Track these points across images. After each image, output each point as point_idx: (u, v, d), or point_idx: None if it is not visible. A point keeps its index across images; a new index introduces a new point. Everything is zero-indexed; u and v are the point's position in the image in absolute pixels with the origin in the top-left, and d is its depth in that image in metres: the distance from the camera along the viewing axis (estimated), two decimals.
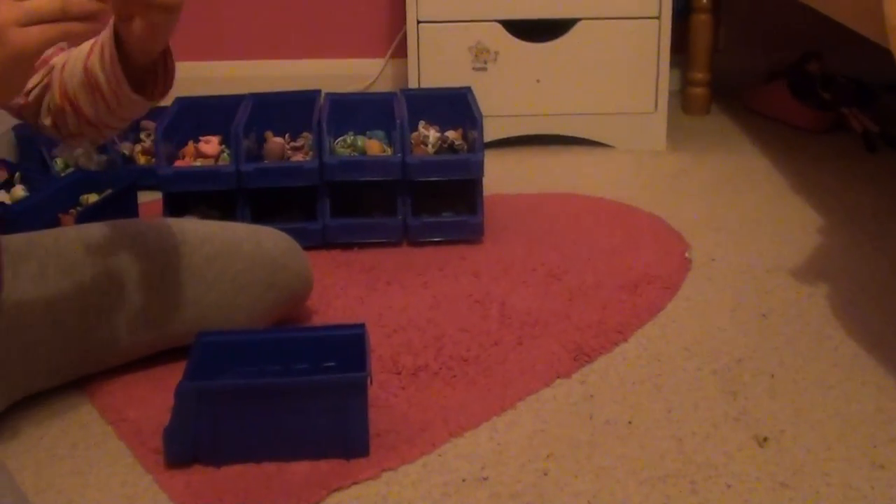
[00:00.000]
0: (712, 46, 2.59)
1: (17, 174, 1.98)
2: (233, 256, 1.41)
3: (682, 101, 2.65)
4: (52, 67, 1.29)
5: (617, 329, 1.52)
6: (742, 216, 1.96)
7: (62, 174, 2.03)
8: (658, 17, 2.26)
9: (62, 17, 1.02)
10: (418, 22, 2.26)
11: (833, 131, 2.44)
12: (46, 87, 1.29)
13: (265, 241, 1.46)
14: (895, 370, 1.40)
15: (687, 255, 1.78)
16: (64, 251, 1.35)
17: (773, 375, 1.39)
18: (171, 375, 1.30)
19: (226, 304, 1.40)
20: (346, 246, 1.82)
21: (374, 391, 1.32)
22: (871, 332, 1.51)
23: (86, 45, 1.26)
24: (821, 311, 1.58)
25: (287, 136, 1.98)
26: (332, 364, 1.31)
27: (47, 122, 1.30)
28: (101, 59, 1.21)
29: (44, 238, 1.37)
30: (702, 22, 2.56)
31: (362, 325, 1.32)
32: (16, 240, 1.35)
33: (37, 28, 1.01)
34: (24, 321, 1.30)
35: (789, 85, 2.50)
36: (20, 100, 1.29)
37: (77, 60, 1.25)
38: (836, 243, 1.83)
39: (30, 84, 1.28)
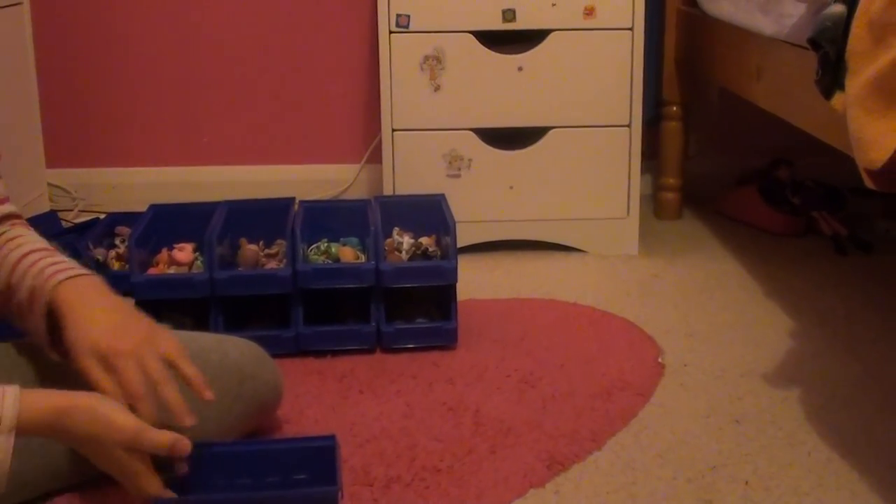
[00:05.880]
0: (683, 153, 2.64)
1: None
2: (201, 368, 1.40)
3: (654, 206, 2.68)
4: None
5: (590, 437, 1.51)
6: (714, 320, 1.97)
7: None
8: (629, 126, 2.30)
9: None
10: (393, 130, 2.30)
11: (803, 235, 2.47)
12: None
13: (232, 351, 1.45)
14: (869, 475, 1.40)
15: (660, 360, 1.79)
16: (25, 364, 1.34)
17: (747, 482, 1.39)
18: None
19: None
20: (320, 353, 1.82)
21: None
22: (845, 437, 1.51)
23: (9, 248, 1.34)
24: (794, 416, 1.58)
25: (261, 243, 1.99)
26: (303, 477, 1.30)
27: None
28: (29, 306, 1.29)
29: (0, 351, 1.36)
30: (672, 129, 2.61)
31: (333, 437, 1.31)
32: None
33: None
34: None
35: (760, 190, 2.54)
36: None
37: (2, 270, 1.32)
38: (808, 347, 1.84)
39: None
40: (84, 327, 1.24)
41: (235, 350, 1.46)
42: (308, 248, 1.94)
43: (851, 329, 1.91)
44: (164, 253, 1.95)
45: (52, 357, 1.30)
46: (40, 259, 1.32)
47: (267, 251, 1.97)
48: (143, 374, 1.22)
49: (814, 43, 1.46)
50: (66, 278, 1.28)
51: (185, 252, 1.95)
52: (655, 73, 2.63)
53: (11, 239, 1.36)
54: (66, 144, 2.75)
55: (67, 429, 1.16)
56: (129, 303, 1.31)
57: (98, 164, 2.78)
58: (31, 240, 1.37)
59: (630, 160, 2.32)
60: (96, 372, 1.22)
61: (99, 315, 1.26)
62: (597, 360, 1.78)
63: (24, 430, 1.15)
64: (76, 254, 2.08)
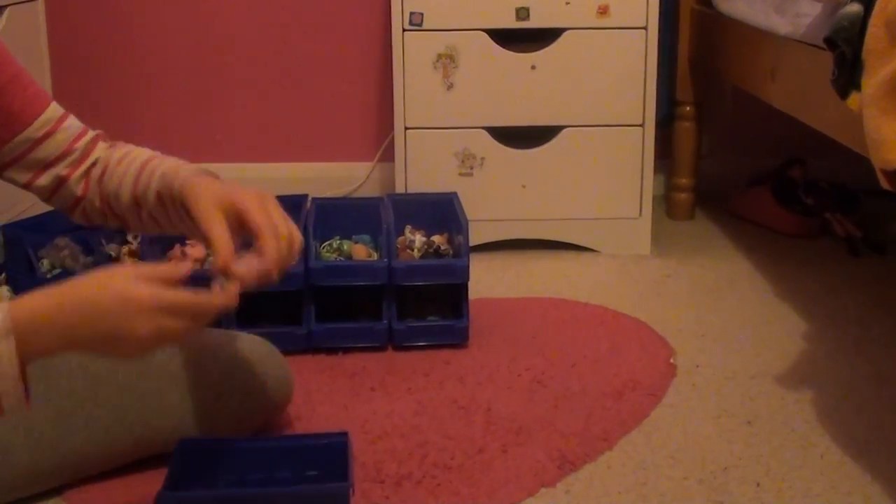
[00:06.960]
0: (696, 152, 2.63)
1: (3, 275, 1.98)
2: (210, 363, 1.41)
3: (667, 206, 2.67)
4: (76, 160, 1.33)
5: (602, 437, 1.51)
6: (726, 321, 1.96)
7: (48, 275, 2.03)
8: (642, 125, 2.30)
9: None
10: (406, 128, 2.30)
11: (816, 236, 2.46)
12: (65, 179, 1.33)
13: (242, 347, 1.45)
14: (881, 478, 1.39)
15: (672, 360, 1.78)
16: None
17: (758, 484, 1.38)
18: (152, 483, 1.28)
19: (204, 411, 1.39)
20: (332, 350, 1.82)
21: (356, 501, 1.31)
22: (856, 439, 1.50)
23: (126, 163, 1.31)
24: (806, 417, 1.58)
25: None
26: (315, 473, 1.30)
27: (77, 217, 1.37)
28: (163, 207, 1.26)
29: None
30: (685, 129, 2.60)
31: (345, 434, 1.31)
32: None
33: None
34: None
35: (772, 190, 2.53)
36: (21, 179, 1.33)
37: (124, 186, 1.30)
38: (820, 349, 1.84)
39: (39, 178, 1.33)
40: (206, 188, 1.23)
41: (246, 347, 1.46)
42: (320, 245, 1.94)
43: (864, 331, 1.90)
44: (177, 249, 1.96)
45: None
46: (159, 164, 1.30)
47: None
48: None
49: (830, 42, 1.46)
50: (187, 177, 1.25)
51: (197, 248, 1.95)
52: (669, 72, 2.62)
53: (122, 158, 1.34)
54: None
55: (74, 325, 1.04)
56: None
57: None
58: (139, 152, 1.35)
59: (643, 160, 2.31)
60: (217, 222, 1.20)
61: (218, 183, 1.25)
62: (608, 360, 1.78)
63: (25, 333, 1.03)
64: (89, 250, 2.09)
